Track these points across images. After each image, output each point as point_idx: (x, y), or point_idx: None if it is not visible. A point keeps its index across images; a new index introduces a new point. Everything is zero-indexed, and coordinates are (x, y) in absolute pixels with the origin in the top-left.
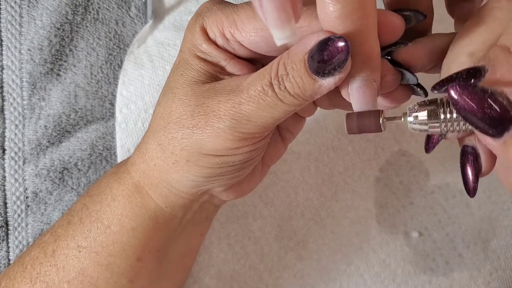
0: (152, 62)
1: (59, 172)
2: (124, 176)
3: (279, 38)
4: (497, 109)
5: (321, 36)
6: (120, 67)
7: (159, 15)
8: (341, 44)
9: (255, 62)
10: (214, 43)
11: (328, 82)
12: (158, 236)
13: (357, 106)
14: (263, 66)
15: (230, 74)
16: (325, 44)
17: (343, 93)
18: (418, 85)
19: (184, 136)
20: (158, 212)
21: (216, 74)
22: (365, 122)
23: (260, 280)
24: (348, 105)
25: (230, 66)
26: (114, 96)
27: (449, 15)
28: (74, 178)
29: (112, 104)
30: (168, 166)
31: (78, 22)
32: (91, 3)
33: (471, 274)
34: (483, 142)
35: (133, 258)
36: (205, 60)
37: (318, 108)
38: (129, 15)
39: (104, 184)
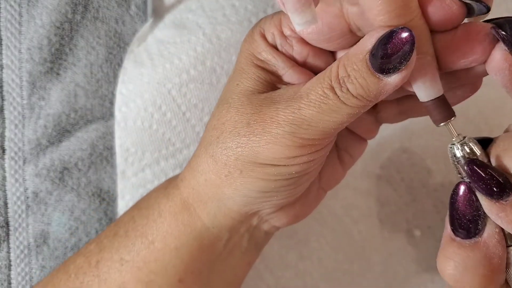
0: (152, 60)
1: (59, 172)
2: (173, 191)
3: (299, 23)
4: None
5: (381, 32)
6: (120, 66)
7: (159, 13)
8: (404, 35)
9: (313, 69)
10: (273, 48)
11: (393, 80)
12: (201, 257)
13: (423, 94)
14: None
15: (287, 84)
16: (387, 39)
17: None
18: (488, 8)
19: (239, 145)
20: (204, 233)
21: (273, 83)
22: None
23: (261, 279)
24: (419, 110)
25: (289, 74)
26: (114, 95)
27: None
28: (74, 178)
29: (113, 104)
30: (220, 180)
31: (78, 20)
32: (91, 2)
33: None
34: None
35: (174, 279)
36: (263, 68)
37: None
38: (129, 13)
39: (153, 198)
